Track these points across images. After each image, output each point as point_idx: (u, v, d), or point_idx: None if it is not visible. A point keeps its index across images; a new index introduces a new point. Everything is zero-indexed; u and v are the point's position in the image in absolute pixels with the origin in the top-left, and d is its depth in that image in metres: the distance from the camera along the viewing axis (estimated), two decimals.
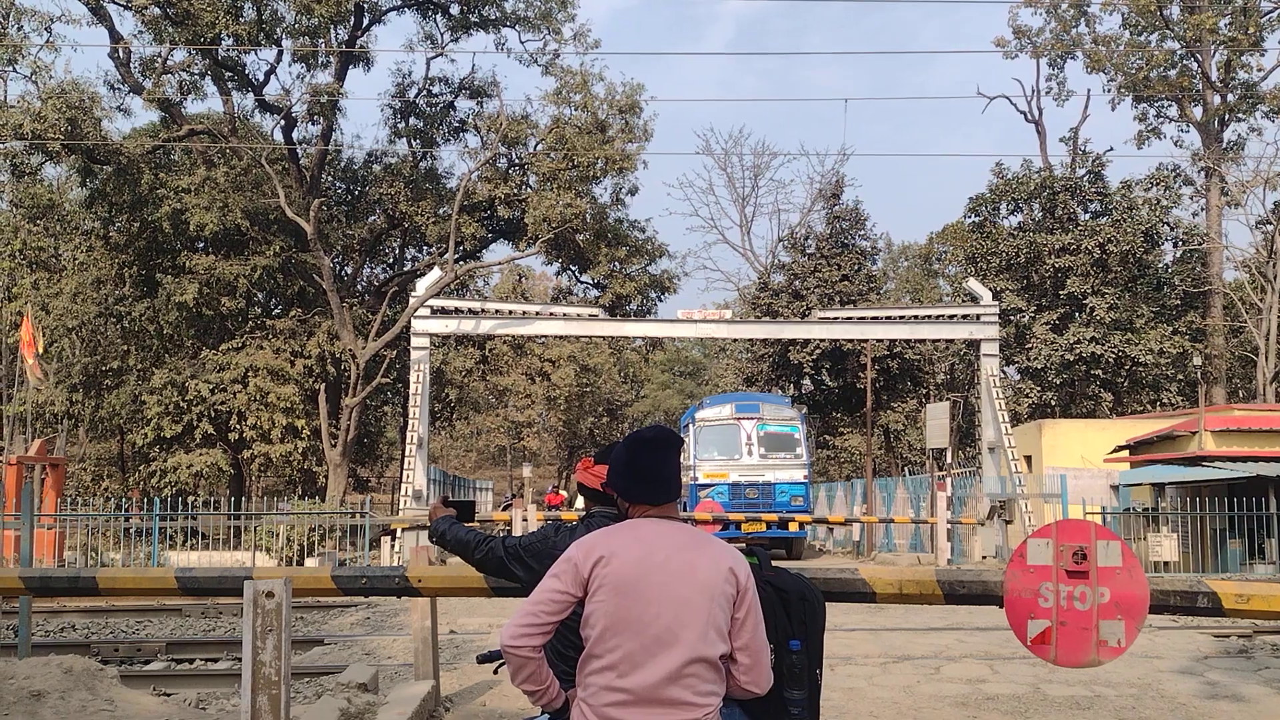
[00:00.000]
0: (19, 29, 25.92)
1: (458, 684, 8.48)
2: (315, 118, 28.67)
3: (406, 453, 23.75)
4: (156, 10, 26.03)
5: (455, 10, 29.46)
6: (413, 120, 31.12)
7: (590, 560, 3.12)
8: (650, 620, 3.04)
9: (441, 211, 29.43)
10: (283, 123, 28.27)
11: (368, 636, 11.23)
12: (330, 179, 31.66)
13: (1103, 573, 4.60)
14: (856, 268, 35.11)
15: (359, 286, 33.37)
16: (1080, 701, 8.06)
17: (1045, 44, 35.02)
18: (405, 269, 33.32)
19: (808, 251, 36.60)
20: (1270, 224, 32.56)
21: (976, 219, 35.08)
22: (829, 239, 36.02)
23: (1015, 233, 33.24)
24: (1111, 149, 37.05)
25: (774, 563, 3.67)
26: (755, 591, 3.14)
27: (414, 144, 31.17)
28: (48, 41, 25.88)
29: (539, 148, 29.71)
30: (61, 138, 24.98)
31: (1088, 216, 33.17)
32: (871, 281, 36.05)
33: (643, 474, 3.28)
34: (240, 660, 4.33)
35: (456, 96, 31.00)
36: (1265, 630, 11.17)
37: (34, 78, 26.00)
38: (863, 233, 36.80)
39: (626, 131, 29.30)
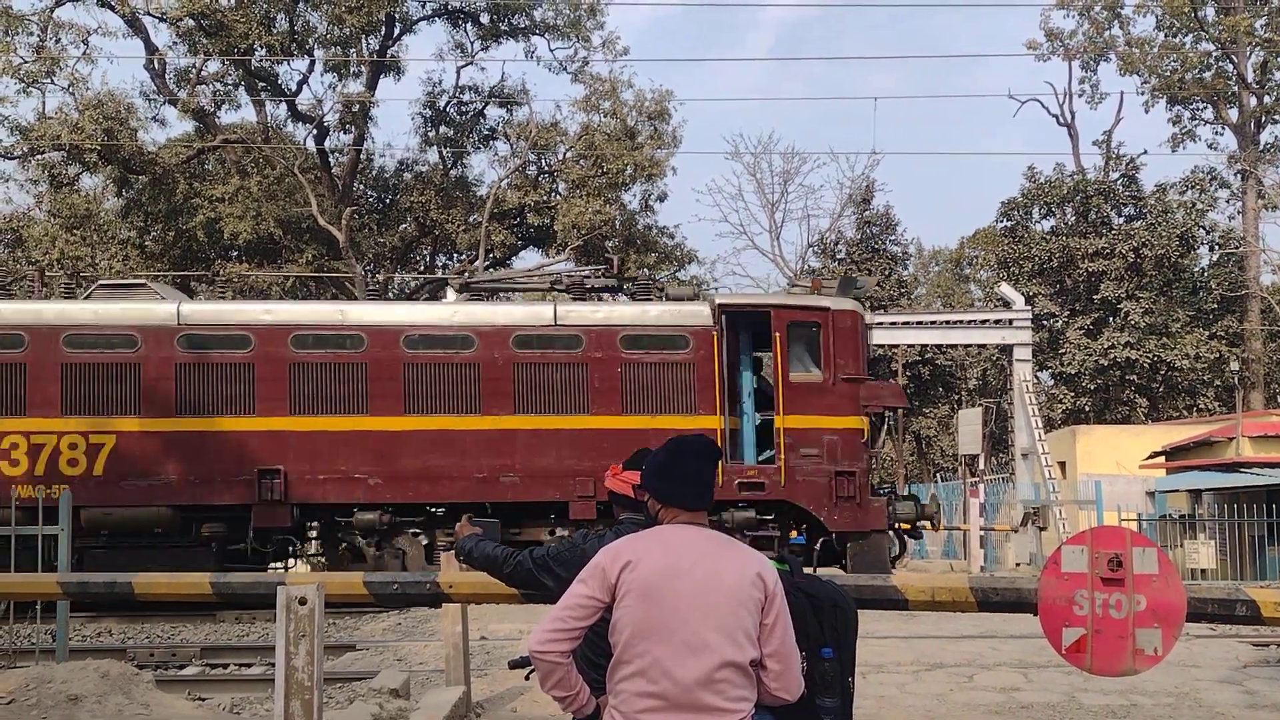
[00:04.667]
0: (57, 41, 26.36)
1: (489, 690, 8.50)
2: (347, 126, 28.93)
3: None
4: (191, 22, 26.37)
5: (485, 19, 29.65)
6: (443, 128, 31.31)
7: (618, 565, 3.13)
8: (678, 625, 3.04)
9: (472, 219, 29.60)
10: (315, 132, 28.55)
11: (399, 642, 11.28)
12: (361, 187, 31.92)
13: (1139, 580, 4.55)
14: (887, 273, 34.92)
15: (390, 294, 33.61)
16: (1116, 710, 7.96)
17: (1078, 46, 34.74)
18: (436, 276, 33.54)
19: (838, 257, 36.44)
20: None
21: (1008, 223, 34.79)
22: (859, 244, 35.85)
23: (1048, 237, 32.95)
24: (1145, 152, 36.73)
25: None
26: (784, 598, 3.13)
27: (444, 152, 31.37)
28: (85, 54, 26.32)
29: (568, 154, 29.81)
30: (98, 148, 25.35)
31: (1121, 220, 32.82)
32: (902, 286, 35.84)
33: (682, 477, 3.29)
34: (274, 665, 4.36)
35: (486, 104, 31.18)
36: None
37: (71, 89, 26.44)
38: (893, 238, 36.62)
39: (655, 138, 29.35)
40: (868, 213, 36.92)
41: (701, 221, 71.60)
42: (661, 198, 31.05)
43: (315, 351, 13.84)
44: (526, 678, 3.84)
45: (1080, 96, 35.74)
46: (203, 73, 27.61)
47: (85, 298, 14.60)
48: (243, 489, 13.54)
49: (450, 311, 14.64)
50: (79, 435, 13.39)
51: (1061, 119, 36.38)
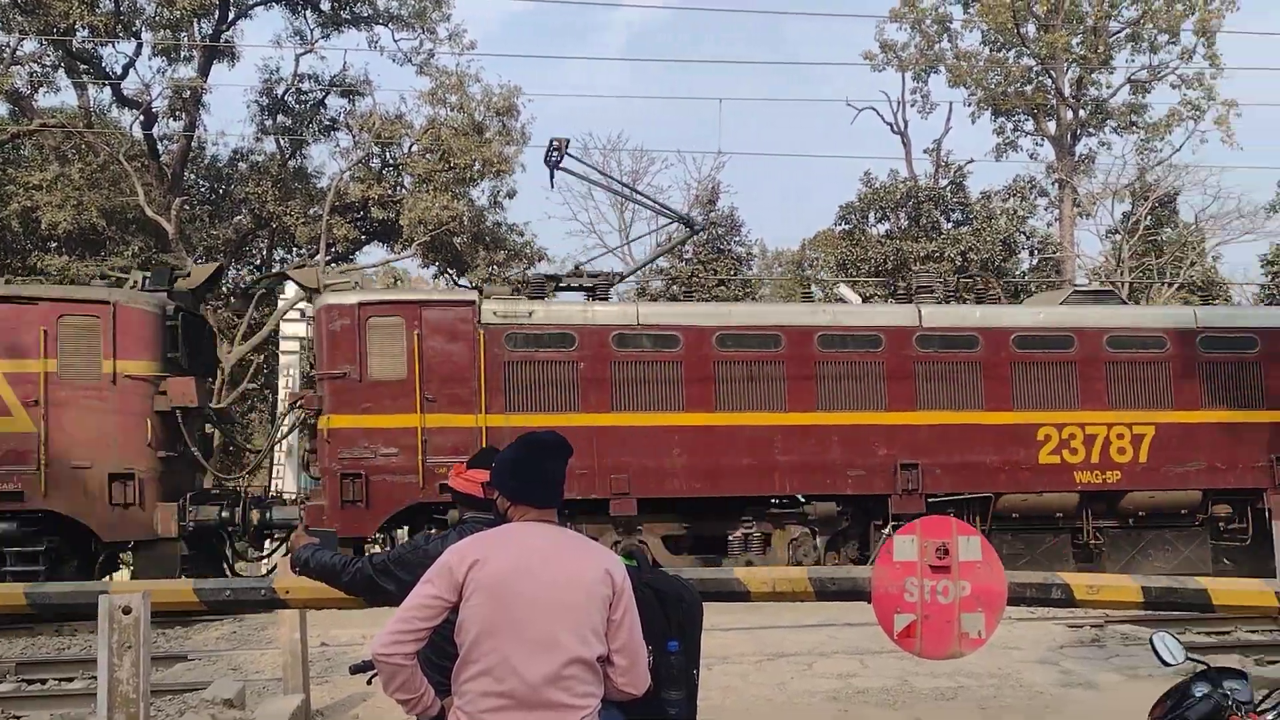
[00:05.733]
0: None
1: (329, 697, 8.28)
2: (177, 113, 27.60)
3: (275, 460, 23.07)
4: None
5: (326, 6, 28.78)
6: (281, 118, 30.24)
7: (465, 564, 3.10)
8: (526, 623, 3.03)
9: (312, 212, 28.71)
10: (142, 118, 27.14)
11: (234, 651, 10.87)
12: (193, 177, 30.51)
13: (964, 567, 4.78)
14: (733, 273, 35.65)
15: (224, 288, 32.28)
16: (945, 693, 8.35)
17: (910, 58, 36.20)
18: (274, 271, 32.40)
19: (684, 257, 36.98)
20: (1118, 234, 34.37)
21: (847, 226, 36.02)
22: (706, 244, 36.47)
23: (883, 240, 34.26)
24: (972, 160, 38.65)
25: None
26: (632, 594, 3.17)
27: (282, 142, 30.31)
28: None
29: (414, 149, 29.24)
30: None
31: (950, 225, 34.39)
32: (747, 286, 36.65)
33: (533, 475, 3.29)
34: (97, 679, 4.14)
35: (327, 94, 30.28)
36: (1115, 620, 11.75)
37: None
38: (738, 239, 37.39)
39: (504, 134, 29.11)
40: (714, 213, 37.59)
41: (551, 219, 71.51)
42: (511, 194, 30.81)
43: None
44: (369, 682, 3.77)
45: (912, 106, 37.26)
46: (18, 53, 25.89)
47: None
48: None
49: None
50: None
51: (895, 127, 37.86)
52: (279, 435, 15.75)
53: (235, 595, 4.97)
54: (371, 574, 3.86)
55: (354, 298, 13.63)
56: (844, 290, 26.48)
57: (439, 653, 3.34)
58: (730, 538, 13.75)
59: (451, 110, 28.66)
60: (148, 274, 14.95)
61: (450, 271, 31.39)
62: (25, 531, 12.77)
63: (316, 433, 13.59)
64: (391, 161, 30.10)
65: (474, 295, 14.11)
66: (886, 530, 13.62)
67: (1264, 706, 3.70)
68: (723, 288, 34.84)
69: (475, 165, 27.88)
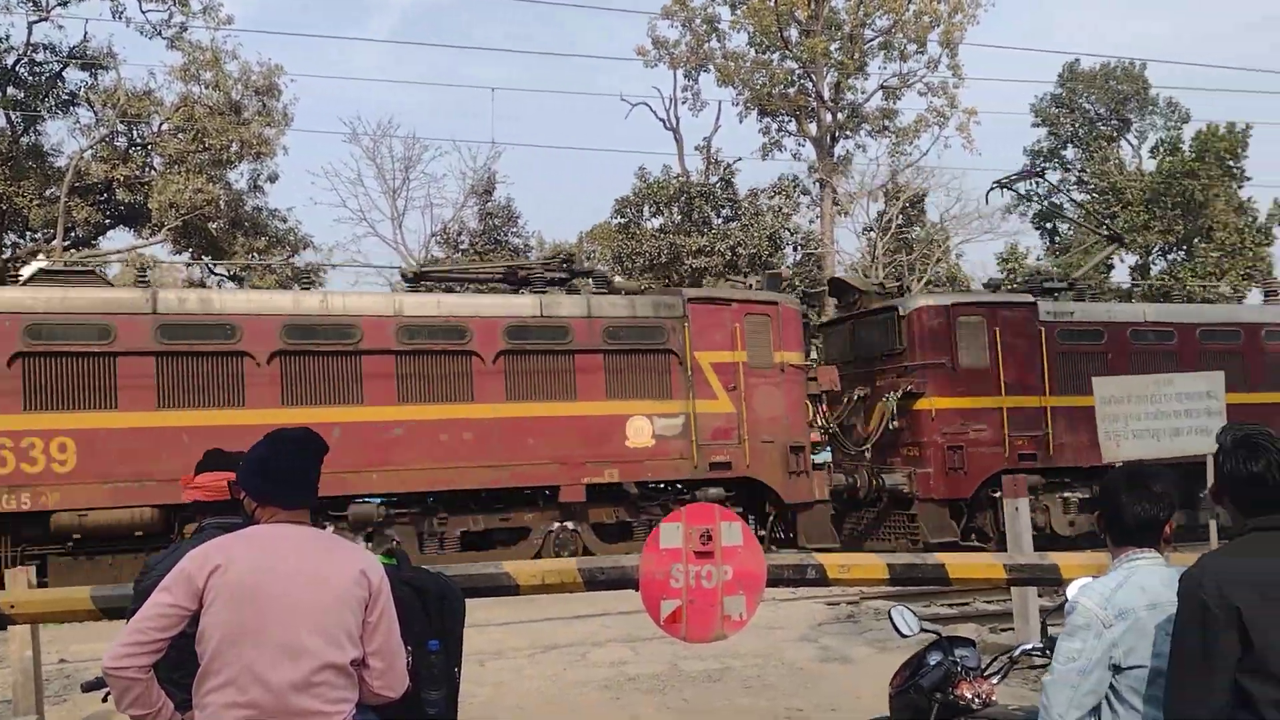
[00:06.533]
0: None
1: (66, 718, 7.66)
2: None
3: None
4: None
5: None
6: (12, 90, 27.67)
7: (206, 570, 2.90)
8: (273, 629, 2.87)
9: (49, 193, 26.42)
10: None
11: None
12: None
13: (726, 552, 4.91)
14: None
15: None
16: (713, 674, 8.60)
17: (681, 55, 37.06)
18: (4, 256, 29.61)
19: (461, 247, 36.48)
20: (873, 231, 36.50)
21: (622, 220, 36.54)
22: (482, 235, 36.11)
23: (657, 234, 34.96)
24: (740, 159, 39.92)
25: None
26: (389, 594, 3.05)
27: (13, 116, 27.73)
28: None
29: (165, 127, 27.41)
30: None
31: (720, 221, 35.50)
32: None
33: (283, 474, 3.11)
34: None
35: (65, 66, 27.92)
36: (870, 596, 12.48)
37: None
38: (515, 230, 37.21)
39: (265, 115, 27.74)
40: (490, 204, 37.26)
41: (319, 205, 68.69)
42: (272, 178, 29.42)
43: None
44: (104, 699, 3.49)
45: (684, 103, 38.16)
46: None
47: None
48: None
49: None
50: None
51: (668, 123, 38.70)
52: (889, 414, 15.96)
53: None
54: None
55: (947, 299, 16.37)
56: (619, 283, 26.48)
57: (178, 669, 3.11)
58: None
59: (206, 88, 27.04)
60: (760, 278, 17.67)
61: (205, 258, 29.65)
62: (729, 496, 14.76)
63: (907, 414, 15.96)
64: (139, 140, 28.10)
65: (1031, 298, 16.45)
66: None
67: (990, 670, 4.01)
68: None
69: (233, 146, 26.46)
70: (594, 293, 15.62)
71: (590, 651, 9.60)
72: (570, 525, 14.20)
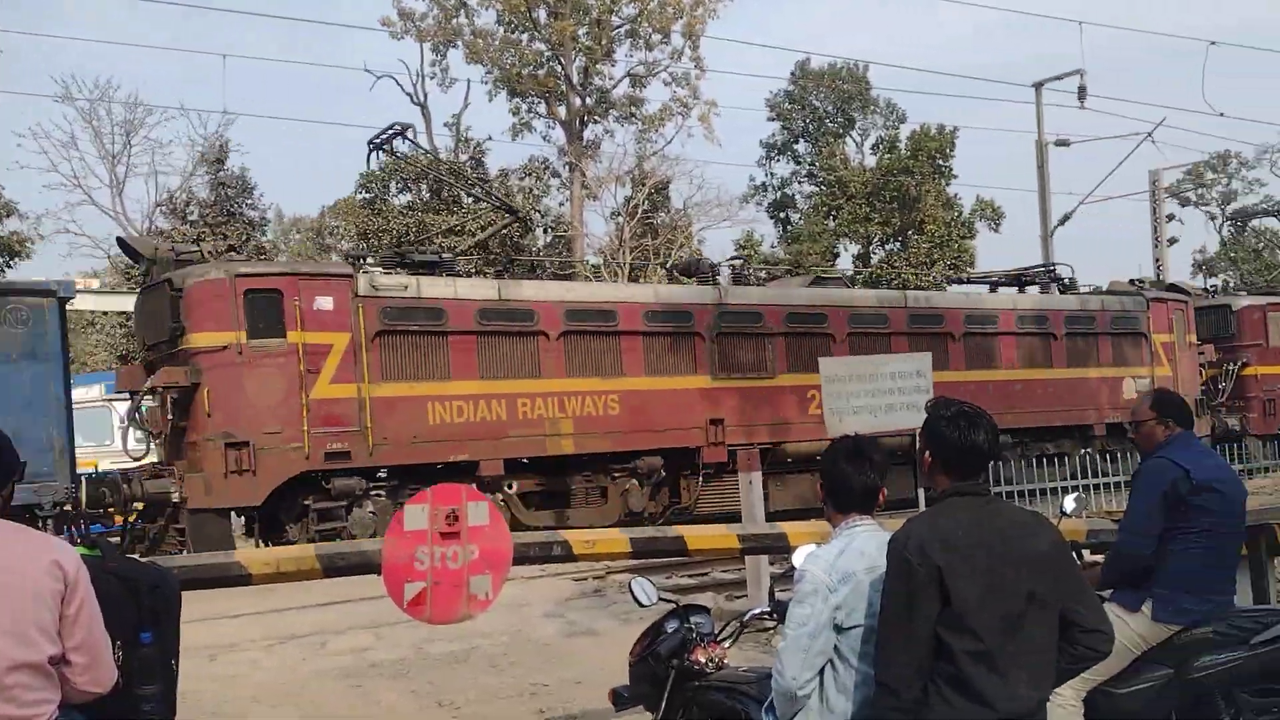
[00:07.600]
0: None
1: None
2: None
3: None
4: None
5: None
6: None
7: None
8: None
9: None
10: None
11: None
12: None
13: (473, 531, 4.89)
14: (245, 238, 33.64)
15: None
16: (459, 655, 8.57)
17: (428, 29, 36.23)
18: None
19: (190, 219, 34.28)
20: (620, 216, 37.19)
21: (368, 195, 35.45)
22: (213, 206, 34.11)
23: (405, 211, 34.17)
24: (490, 138, 39.39)
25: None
26: (89, 585, 2.83)
27: None
28: None
29: None
30: None
31: (471, 200, 35.13)
32: (262, 253, 34.77)
33: None
34: None
35: None
36: (615, 570, 12.76)
37: None
38: (250, 201, 35.38)
39: None
40: (222, 174, 35.21)
41: (25, 170, 62.16)
42: None
43: None
44: None
45: (432, 79, 37.37)
46: None
47: None
48: None
49: None
50: None
51: (415, 98, 37.80)
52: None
53: None
54: None
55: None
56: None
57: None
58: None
59: None
60: None
61: None
62: None
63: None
64: None
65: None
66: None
67: (723, 635, 4.21)
68: (234, 253, 32.76)
69: None
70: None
71: (331, 640, 9.33)
72: None
